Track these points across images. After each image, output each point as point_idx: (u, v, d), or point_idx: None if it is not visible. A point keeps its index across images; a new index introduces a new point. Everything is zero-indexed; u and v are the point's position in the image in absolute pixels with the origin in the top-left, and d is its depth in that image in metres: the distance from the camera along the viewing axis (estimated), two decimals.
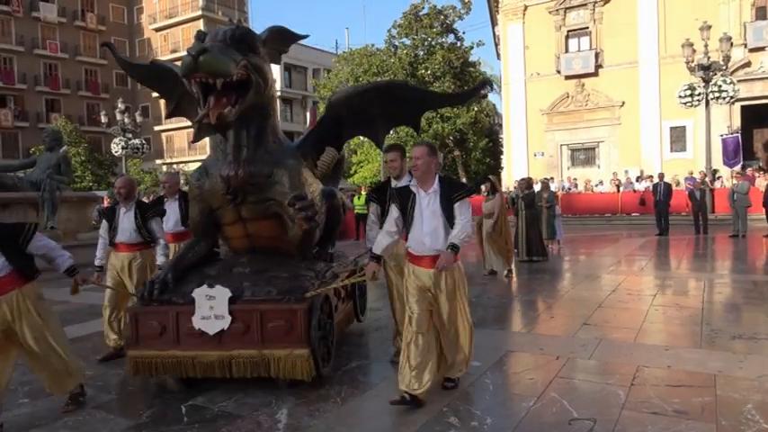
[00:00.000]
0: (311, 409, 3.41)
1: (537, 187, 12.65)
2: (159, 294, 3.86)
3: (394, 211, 3.55)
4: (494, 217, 8.55)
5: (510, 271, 8.75)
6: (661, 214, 15.01)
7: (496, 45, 31.64)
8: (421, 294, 3.45)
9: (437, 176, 3.55)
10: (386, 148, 4.23)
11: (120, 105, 25.17)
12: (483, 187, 9.26)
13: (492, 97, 37.99)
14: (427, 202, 3.42)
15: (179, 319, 3.75)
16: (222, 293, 3.71)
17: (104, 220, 4.84)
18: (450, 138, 31.24)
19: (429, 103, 5.31)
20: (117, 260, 4.77)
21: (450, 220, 3.39)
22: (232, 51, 3.53)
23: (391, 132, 24.62)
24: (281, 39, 4.20)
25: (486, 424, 3.13)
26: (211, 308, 3.69)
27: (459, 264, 3.59)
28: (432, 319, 3.53)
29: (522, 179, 11.21)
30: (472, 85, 31.65)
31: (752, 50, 22.33)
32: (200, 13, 39.93)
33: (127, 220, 4.70)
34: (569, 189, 22.52)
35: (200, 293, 3.73)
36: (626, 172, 22.91)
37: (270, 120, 4.10)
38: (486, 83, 4.57)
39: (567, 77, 25.79)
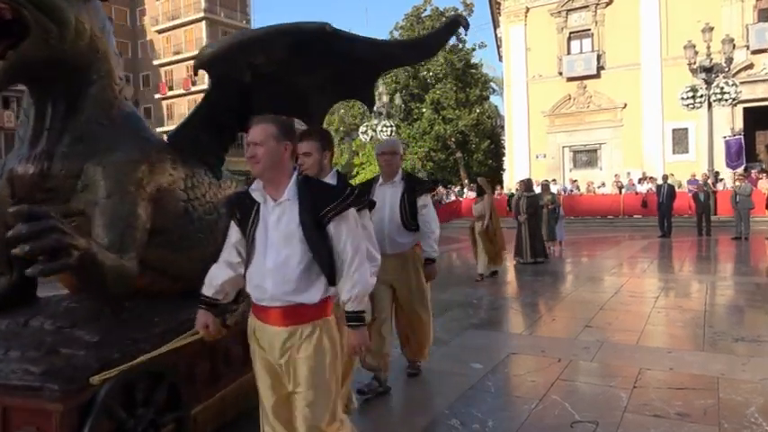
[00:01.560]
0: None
1: (537, 189, 12.63)
2: None
3: (233, 233, 2.16)
4: (485, 219, 8.48)
5: (495, 272, 8.70)
6: (664, 216, 14.99)
7: (498, 47, 31.63)
8: (272, 377, 2.10)
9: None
10: (299, 136, 2.88)
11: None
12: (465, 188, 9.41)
13: (494, 99, 38.04)
14: (277, 218, 2.03)
15: None
16: None
17: None
18: (453, 139, 31.25)
19: (380, 60, 3.41)
20: None
21: (317, 250, 1.99)
22: None
23: (388, 131, 24.67)
24: None
25: (488, 426, 3.13)
26: None
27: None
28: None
29: (523, 180, 11.17)
30: (474, 87, 31.91)
31: (754, 52, 22.28)
32: (202, 14, 40.00)
33: None
34: (571, 191, 22.50)
35: None
36: (628, 174, 22.87)
37: (93, 88, 2.65)
38: (459, 18, 3.17)
39: (569, 79, 25.76)
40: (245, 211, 2.10)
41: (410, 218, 3.57)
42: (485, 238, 8.46)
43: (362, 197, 2.16)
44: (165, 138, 3.13)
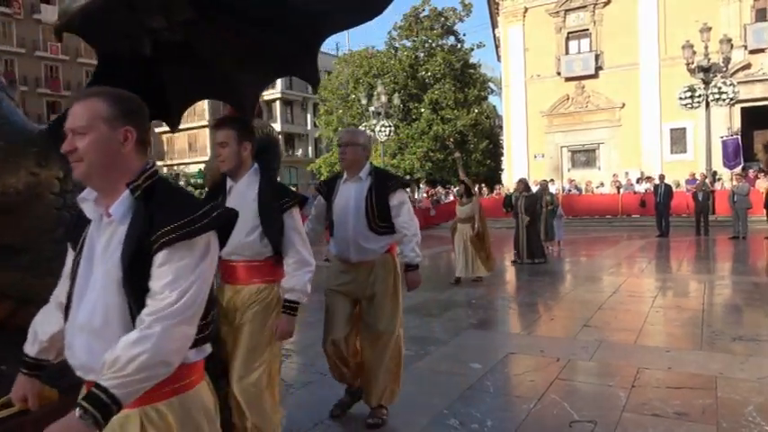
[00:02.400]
0: (311, 412, 3.41)
1: (535, 189, 12.63)
2: None
3: (69, 262, 1.46)
4: (474, 221, 8.10)
5: (480, 278, 8.19)
6: (662, 216, 15.01)
7: (497, 47, 31.66)
8: None
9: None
10: (214, 124, 2.60)
11: None
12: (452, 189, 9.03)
13: (492, 99, 38.08)
14: (105, 244, 1.32)
15: None
16: None
17: None
18: (451, 139, 31.25)
19: (311, 23, 2.40)
20: None
21: (133, 298, 1.26)
22: None
23: (386, 131, 24.65)
24: None
25: (487, 426, 3.13)
26: None
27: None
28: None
29: (520, 180, 11.11)
30: (473, 87, 31.95)
31: (752, 52, 22.32)
32: None
33: None
34: (569, 191, 22.52)
35: None
36: (626, 174, 22.91)
37: None
38: None
39: (568, 79, 25.79)
40: (77, 231, 1.41)
41: (378, 219, 3.04)
42: (476, 242, 8.06)
43: (224, 217, 1.34)
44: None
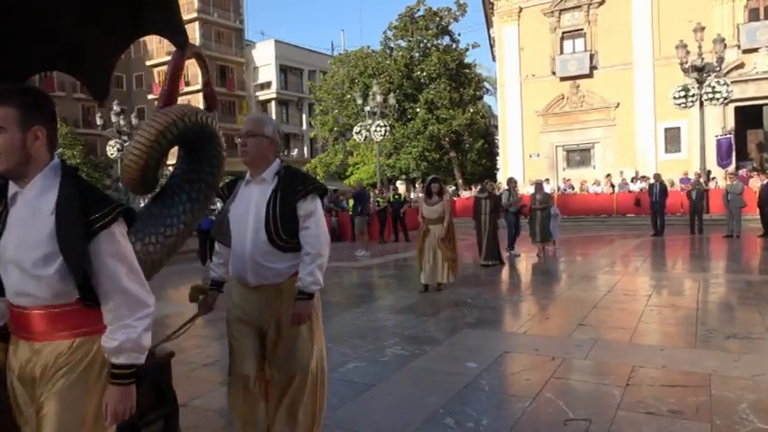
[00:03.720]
0: None
1: (531, 188, 12.56)
2: None
3: None
4: (445, 222, 7.50)
5: (440, 284, 7.54)
6: (656, 215, 15.08)
7: (492, 47, 31.73)
8: None
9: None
10: None
11: (115, 107, 25.16)
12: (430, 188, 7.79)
13: (488, 99, 38.16)
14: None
15: None
16: None
17: None
18: (447, 139, 31.31)
19: None
20: None
21: None
22: None
23: (382, 131, 24.66)
24: None
25: (483, 425, 3.14)
26: None
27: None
28: None
29: (486, 181, 10.91)
30: (468, 86, 32.00)
31: (745, 52, 22.46)
32: (195, 15, 39.88)
33: None
34: (564, 190, 22.59)
35: None
36: (621, 173, 23.00)
37: None
38: None
39: (563, 79, 25.87)
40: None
41: (283, 232, 2.39)
42: (445, 245, 7.45)
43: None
44: None
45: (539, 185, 12.03)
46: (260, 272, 2.42)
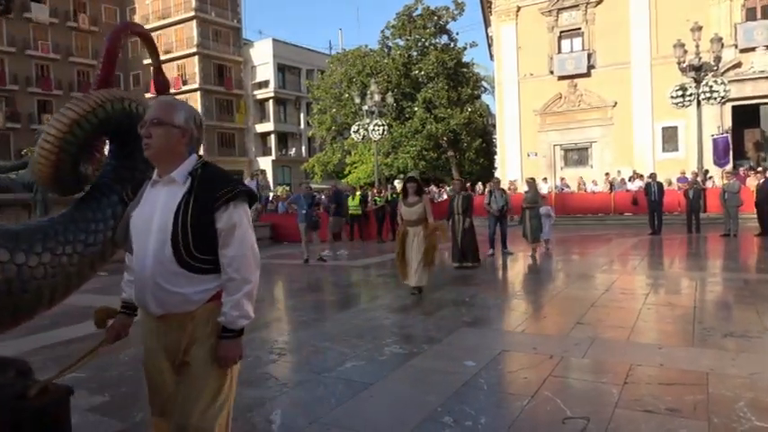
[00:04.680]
0: (306, 410, 3.41)
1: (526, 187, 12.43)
2: None
3: None
4: (429, 221, 7.16)
5: (417, 289, 7.13)
6: (654, 214, 15.11)
7: (489, 46, 31.73)
8: None
9: None
10: None
11: None
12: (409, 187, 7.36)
13: (486, 98, 38.16)
14: None
15: None
16: None
17: None
18: (444, 138, 31.31)
19: None
20: None
21: None
22: None
23: (380, 130, 24.61)
24: None
25: (481, 423, 3.14)
26: None
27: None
28: None
29: (457, 180, 10.40)
30: (466, 85, 32.00)
31: (742, 51, 22.51)
32: (192, 14, 39.81)
33: None
34: (562, 189, 22.62)
35: None
36: (618, 172, 23.04)
37: None
38: None
39: (560, 78, 25.90)
40: None
41: (195, 248, 1.86)
42: (428, 245, 7.08)
43: None
44: None
45: (530, 184, 11.75)
46: (163, 298, 1.89)
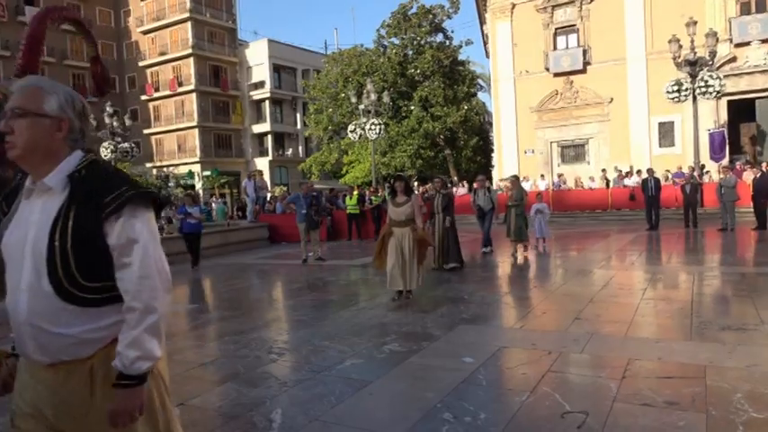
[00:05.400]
0: (306, 409, 3.42)
1: (525, 185, 12.46)
2: None
3: None
4: (418, 223, 6.79)
5: (410, 292, 6.83)
6: (651, 209, 15.15)
7: (485, 43, 31.74)
8: None
9: None
10: None
11: (108, 109, 25.06)
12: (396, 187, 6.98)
13: (482, 96, 38.15)
14: None
15: None
16: None
17: None
18: (441, 137, 31.32)
19: None
20: None
21: None
22: None
23: (377, 129, 24.62)
24: None
25: (480, 419, 3.15)
26: None
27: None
28: None
29: (438, 178, 9.96)
30: (462, 83, 32.01)
31: (737, 45, 22.56)
32: (187, 15, 39.71)
33: None
34: (559, 186, 22.65)
35: None
36: (615, 168, 23.07)
37: None
38: None
39: (556, 75, 25.92)
40: None
41: (80, 273, 1.45)
42: (420, 246, 6.75)
43: None
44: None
45: (513, 182, 11.44)
46: (44, 342, 1.45)
